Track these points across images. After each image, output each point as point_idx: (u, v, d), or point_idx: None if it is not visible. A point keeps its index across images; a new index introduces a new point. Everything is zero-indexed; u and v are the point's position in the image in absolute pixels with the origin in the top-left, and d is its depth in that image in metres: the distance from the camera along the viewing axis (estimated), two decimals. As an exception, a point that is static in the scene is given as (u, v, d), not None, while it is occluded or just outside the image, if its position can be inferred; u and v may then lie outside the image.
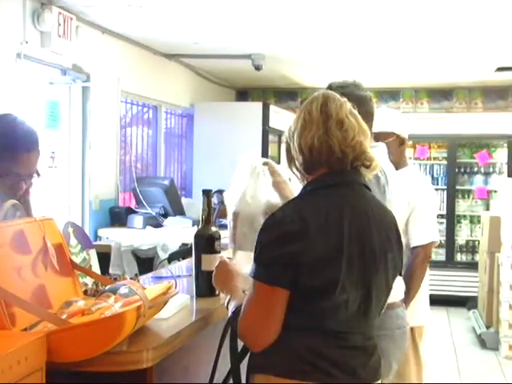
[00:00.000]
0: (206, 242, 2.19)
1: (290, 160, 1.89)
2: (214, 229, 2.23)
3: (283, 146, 1.97)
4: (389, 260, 1.82)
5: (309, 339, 1.73)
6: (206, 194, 2.23)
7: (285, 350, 1.73)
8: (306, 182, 1.86)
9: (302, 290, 1.70)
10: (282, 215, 1.75)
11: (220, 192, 5.43)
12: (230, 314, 1.85)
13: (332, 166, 1.80)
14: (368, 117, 2.33)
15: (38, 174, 2.30)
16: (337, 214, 1.74)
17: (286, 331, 1.72)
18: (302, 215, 1.71)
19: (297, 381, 1.71)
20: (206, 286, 2.15)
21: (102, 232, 5.48)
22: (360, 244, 1.75)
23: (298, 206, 1.78)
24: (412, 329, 2.57)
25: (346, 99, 1.88)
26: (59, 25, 4.74)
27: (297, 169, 1.88)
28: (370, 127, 2.43)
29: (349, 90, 2.43)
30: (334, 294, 1.70)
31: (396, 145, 3.16)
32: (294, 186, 2.18)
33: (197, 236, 2.22)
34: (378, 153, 2.83)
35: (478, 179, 8.11)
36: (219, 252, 2.19)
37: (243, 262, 2.11)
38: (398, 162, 3.08)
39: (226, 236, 3.82)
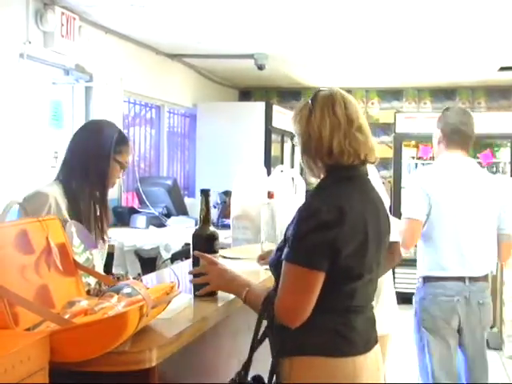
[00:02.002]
0: (204, 242, 2.17)
1: (310, 155, 1.98)
2: (212, 229, 2.21)
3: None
4: (386, 242, 2.08)
5: (343, 317, 1.92)
6: (204, 193, 2.21)
7: (325, 329, 1.90)
8: (321, 176, 1.99)
9: (338, 272, 1.87)
10: (319, 205, 1.88)
11: (224, 192, 5.44)
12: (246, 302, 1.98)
13: (353, 165, 1.96)
14: None
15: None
16: (361, 202, 1.94)
17: (323, 312, 1.88)
18: (337, 204, 1.87)
19: (335, 358, 1.90)
20: (204, 286, 2.14)
21: (104, 232, 5.47)
22: (376, 228, 1.97)
23: (332, 197, 1.91)
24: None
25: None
26: (62, 25, 4.75)
27: (315, 164, 1.98)
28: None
29: None
30: (364, 274, 1.92)
31: None
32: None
33: (195, 236, 2.19)
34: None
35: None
36: (217, 252, 2.18)
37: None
38: None
39: (228, 236, 3.84)
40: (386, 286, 3.15)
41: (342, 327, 1.91)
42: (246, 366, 1.93)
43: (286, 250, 1.89)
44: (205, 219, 2.20)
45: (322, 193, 1.96)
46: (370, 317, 2.04)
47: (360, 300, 1.96)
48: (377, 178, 3.08)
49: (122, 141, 2.72)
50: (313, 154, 1.96)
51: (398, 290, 6.63)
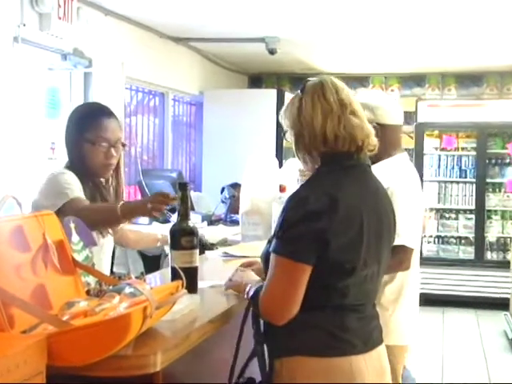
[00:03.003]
0: (183, 238, 2.18)
1: (305, 147, 2.02)
2: (191, 223, 2.23)
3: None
4: (391, 236, 2.12)
5: (336, 315, 1.94)
6: (182, 187, 2.23)
7: (315, 328, 1.92)
8: (316, 166, 2.03)
9: (328, 266, 1.88)
10: (307, 194, 1.92)
11: (232, 186, 5.44)
12: (248, 297, 2.02)
13: (350, 153, 2.00)
14: None
15: (124, 145, 2.74)
16: (356, 194, 1.96)
17: (313, 310, 1.91)
18: (328, 193, 1.89)
19: (330, 358, 1.92)
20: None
21: (105, 228, 5.49)
22: (375, 221, 1.98)
23: (322, 185, 1.95)
24: (389, 348, 2.28)
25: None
26: (59, 6, 4.76)
27: (310, 155, 2.02)
28: None
29: None
30: (357, 270, 1.92)
31: None
32: None
33: (173, 231, 2.22)
34: (393, 163, 2.82)
35: (510, 171, 8.06)
36: (196, 248, 2.19)
37: None
38: (383, 153, 2.72)
39: (237, 232, 3.84)
40: (410, 290, 2.95)
41: (334, 328, 1.93)
42: (231, 373, 1.98)
43: (273, 242, 1.94)
44: (183, 214, 2.22)
45: (313, 182, 2.01)
46: (370, 315, 2.05)
47: (355, 298, 1.96)
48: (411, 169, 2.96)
49: (89, 116, 2.70)
50: (307, 143, 2.00)
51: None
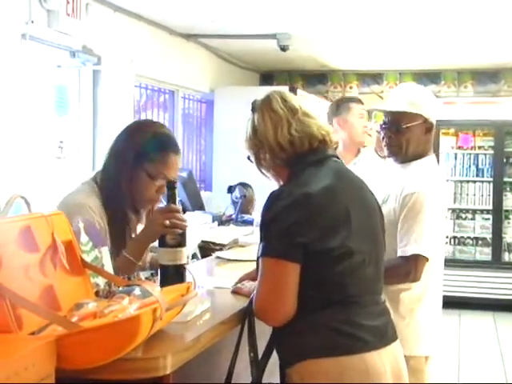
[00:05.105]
0: (167, 235, 2.21)
1: (267, 161, 2.12)
2: None
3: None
4: (383, 223, 2.15)
5: (339, 311, 1.95)
6: (171, 186, 2.27)
7: (321, 328, 1.93)
8: (285, 176, 2.09)
9: (317, 258, 1.91)
10: (279, 191, 2.02)
11: (243, 185, 5.44)
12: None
13: (314, 149, 2.07)
14: None
15: (176, 182, 2.40)
16: (332, 183, 2.01)
17: (317, 310, 1.93)
18: (300, 186, 1.97)
19: (339, 357, 1.91)
20: (168, 279, 2.15)
21: (114, 228, 5.50)
22: (360, 208, 2.04)
23: (294, 181, 2.03)
24: (408, 358, 2.22)
25: None
26: (67, 3, 4.77)
27: (274, 164, 2.11)
28: None
29: None
30: (348, 256, 1.94)
31: (421, 131, 2.78)
32: None
33: None
34: (423, 166, 2.77)
35: (529, 170, 8.01)
36: (182, 246, 2.20)
37: None
38: (420, 153, 2.79)
39: (248, 233, 3.84)
40: (430, 298, 2.79)
41: (338, 323, 1.94)
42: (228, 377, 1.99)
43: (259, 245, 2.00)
44: None
45: (285, 182, 2.09)
46: (378, 310, 2.06)
47: (355, 289, 1.98)
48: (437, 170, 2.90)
49: (156, 146, 2.44)
50: (268, 157, 2.10)
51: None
